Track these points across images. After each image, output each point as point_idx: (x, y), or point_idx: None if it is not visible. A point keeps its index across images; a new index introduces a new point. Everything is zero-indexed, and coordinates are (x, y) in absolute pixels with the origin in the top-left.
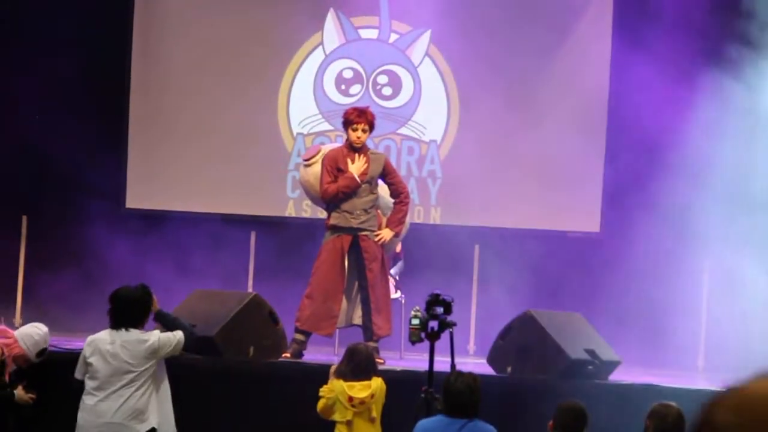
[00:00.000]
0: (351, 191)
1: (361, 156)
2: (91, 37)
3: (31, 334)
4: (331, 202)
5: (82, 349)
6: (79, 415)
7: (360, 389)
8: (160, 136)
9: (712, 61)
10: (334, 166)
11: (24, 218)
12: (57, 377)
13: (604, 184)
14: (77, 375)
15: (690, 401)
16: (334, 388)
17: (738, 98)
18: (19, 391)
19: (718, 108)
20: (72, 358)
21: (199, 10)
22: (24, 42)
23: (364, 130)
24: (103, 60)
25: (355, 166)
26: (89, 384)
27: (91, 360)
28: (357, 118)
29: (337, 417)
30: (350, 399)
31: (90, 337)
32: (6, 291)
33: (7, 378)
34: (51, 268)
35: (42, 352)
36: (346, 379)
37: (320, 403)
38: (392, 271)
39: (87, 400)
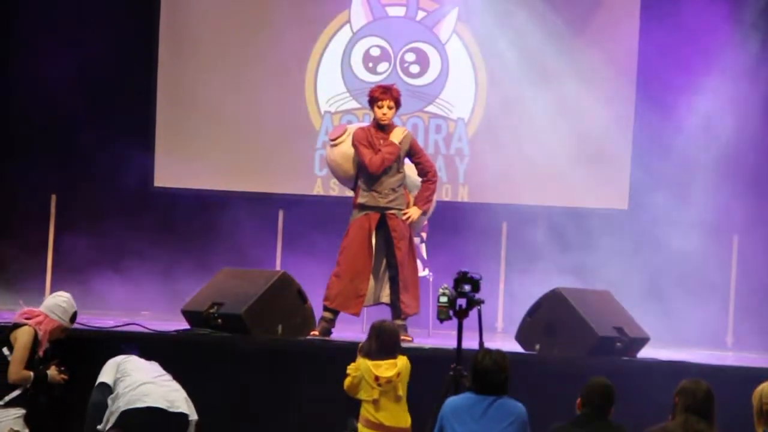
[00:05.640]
0: (395, 158)
1: (397, 129)
2: (118, 17)
3: (57, 303)
4: (378, 171)
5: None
6: None
7: (386, 368)
8: (187, 116)
9: (743, 32)
10: (367, 142)
11: (53, 197)
12: (87, 356)
13: (632, 161)
14: None
15: (718, 378)
16: (360, 367)
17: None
18: (51, 371)
19: (749, 80)
20: (101, 336)
21: None
22: (50, 21)
23: (389, 107)
24: (130, 40)
25: (395, 135)
26: None
27: None
28: (382, 95)
29: (363, 396)
30: (376, 378)
31: None
32: (36, 269)
33: (41, 354)
34: (80, 248)
35: (74, 317)
36: (371, 358)
37: (347, 381)
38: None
39: None
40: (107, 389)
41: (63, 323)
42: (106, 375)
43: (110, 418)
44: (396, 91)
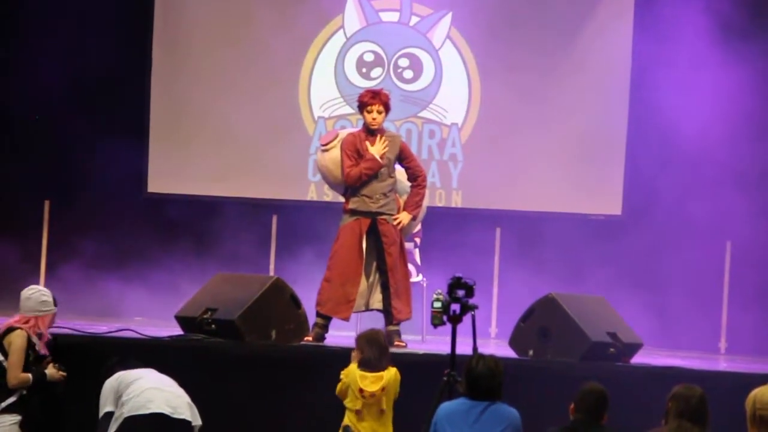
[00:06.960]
0: (373, 173)
1: (382, 138)
2: (111, 20)
3: (34, 299)
4: (355, 185)
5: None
6: None
7: (372, 382)
8: (181, 122)
9: (735, 39)
10: (354, 150)
11: (46, 203)
12: (80, 361)
13: (626, 167)
14: None
15: (712, 384)
16: (349, 375)
17: (760, 75)
18: (50, 369)
19: (740, 87)
20: (94, 342)
21: None
22: (45, 24)
23: (379, 112)
24: (124, 47)
25: (376, 148)
26: None
27: None
28: (371, 100)
29: (347, 404)
30: (360, 390)
31: None
32: (28, 276)
33: (44, 351)
34: (73, 254)
35: (54, 302)
36: (360, 367)
37: (338, 386)
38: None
39: None
40: (113, 417)
41: (50, 313)
42: (108, 403)
43: (114, 424)
44: (385, 96)
